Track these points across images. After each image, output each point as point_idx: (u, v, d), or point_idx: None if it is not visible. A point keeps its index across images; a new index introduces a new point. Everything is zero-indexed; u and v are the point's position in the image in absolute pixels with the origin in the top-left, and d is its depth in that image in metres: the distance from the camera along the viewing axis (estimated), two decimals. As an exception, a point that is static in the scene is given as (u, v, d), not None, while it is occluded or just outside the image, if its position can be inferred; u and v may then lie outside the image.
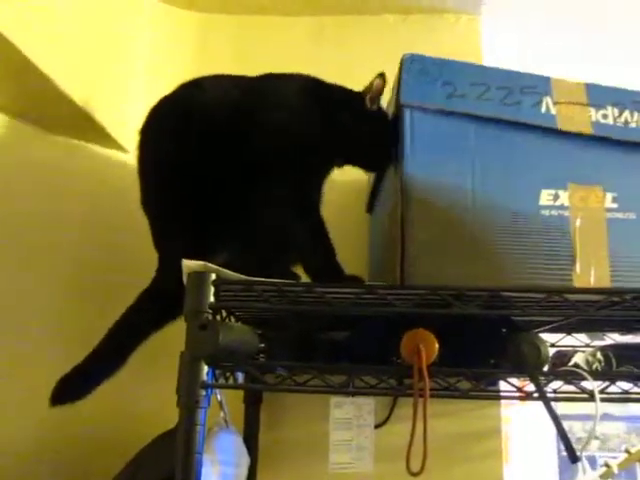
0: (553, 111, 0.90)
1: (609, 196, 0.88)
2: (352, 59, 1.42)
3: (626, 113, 0.91)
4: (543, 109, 0.90)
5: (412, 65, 0.91)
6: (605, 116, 0.91)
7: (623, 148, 0.90)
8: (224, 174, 0.91)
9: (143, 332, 0.93)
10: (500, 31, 1.52)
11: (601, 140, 0.90)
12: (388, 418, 1.14)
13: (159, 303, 0.92)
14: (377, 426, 1.16)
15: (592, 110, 0.91)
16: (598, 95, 0.92)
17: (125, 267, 1.25)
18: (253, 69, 1.05)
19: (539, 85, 0.91)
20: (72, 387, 0.91)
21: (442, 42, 1.42)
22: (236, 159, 0.91)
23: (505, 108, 0.89)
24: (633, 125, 0.91)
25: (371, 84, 0.98)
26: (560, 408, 0.79)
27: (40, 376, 1.12)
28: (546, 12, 1.47)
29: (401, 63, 0.92)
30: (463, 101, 0.89)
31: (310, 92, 0.99)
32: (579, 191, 0.87)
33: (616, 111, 0.91)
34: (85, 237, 1.28)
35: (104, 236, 1.29)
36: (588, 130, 0.90)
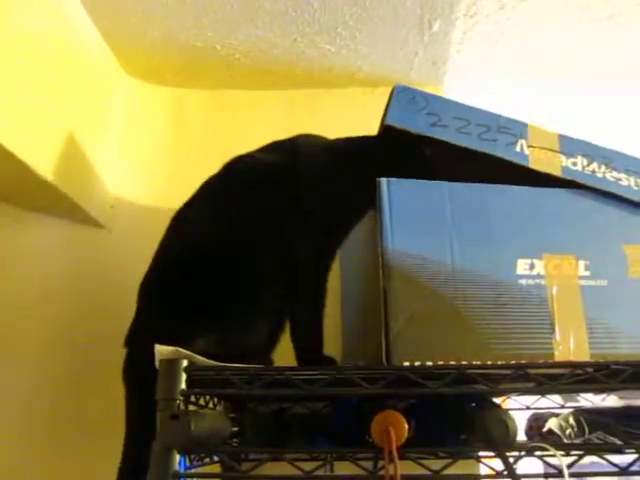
0: (526, 152, 0.96)
1: (582, 264, 0.91)
2: (324, 131, 1.46)
3: (594, 164, 0.97)
4: (517, 149, 0.95)
5: (401, 94, 0.97)
6: (575, 164, 0.96)
7: (594, 210, 0.95)
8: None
9: (147, 406, 0.91)
10: (465, 96, 1.59)
11: (573, 204, 0.95)
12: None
13: (142, 369, 0.90)
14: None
15: (563, 157, 0.97)
16: (570, 145, 0.98)
17: (103, 347, 1.24)
18: (227, 143, 1.09)
19: (515, 128, 0.97)
20: None
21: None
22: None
23: (482, 142, 0.95)
24: (600, 175, 0.96)
25: None
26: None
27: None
28: (506, 83, 1.54)
29: (391, 92, 0.97)
30: (444, 130, 0.94)
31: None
32: (553, 260, 0.90)
33: (585, 161, 0.97)
34: (63, 311, 1.28)
35: (80, 307, 1.29)
36: (557, 172, 0.95)
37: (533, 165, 0.95)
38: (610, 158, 0.98)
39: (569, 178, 0.96)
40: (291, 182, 0.98)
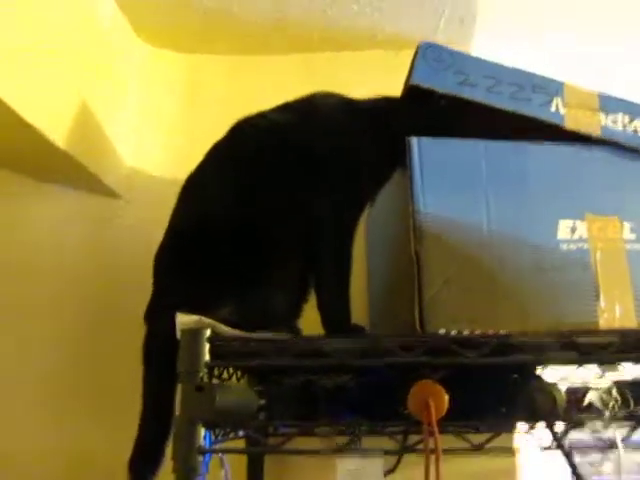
0: (562, 111, 0.89)
1: (627, 226, 0.86)
2: (346, 94, 1.41)
3: (636, 121, 0.90)
4: (552, 108, 0.89)
5: (427, 52, 0.90)
6: (615, 121, 0.90)
7: (638, 173, 0.89)
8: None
9: (169, 380, 0.86)
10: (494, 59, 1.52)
11: (615, 162, 0.89)
12: (397, 465, 1.09)
13: (162, 346, 0.86)
14: (386, 473, 1.10)
15: (602, 115, 0.90)
16: (610, 103, 0.91)
17: (120, 318, 1.21)
18: (244, 109, 1.04)
19: (551, 86, 0.91)
20: (145, 464, 0.86)
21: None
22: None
23: (514, 102, 0.88)
24: None
25: None
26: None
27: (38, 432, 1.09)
28: (537, 38, 1.46)
29: (416, 50, 0.91)
30: (473, 90, 0.88)
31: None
32: (596, 222, 0.85)
33: (627, 118, 0.90)
34: (81, 284, 1.25)
35: (97, 279, 1.27)
36: (597, 132, 0.89)
37: (569, 125, 0.89)
38: (655, 117, 0.91)
39: (609, 138, 0.89)
40: (310, 142, 0.94)
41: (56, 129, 1.07)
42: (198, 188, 0.96)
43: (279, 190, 0.91)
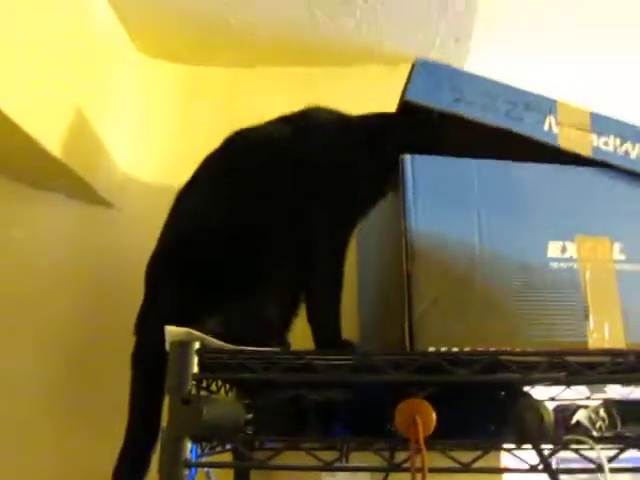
0: (555, 130, 0.90)
1: (617, 247, 0.86)
2: (343, 109, 1.41)
3: (627, 144, 0.91)
4: (546, 127, 0.90)
5: (422, 68, 0.90)
6: (606, 143, 0.91)
7: (628, 195, 0.90)
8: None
9: (158, 389, 0.88)
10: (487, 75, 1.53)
11: (606, 183, 0.90)
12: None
13: (152, 356, 0.85)
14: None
15: (594, 136, 0.91)
16: (601, 123, 0.92)
17: (111, 326, 1.21)
18: (240, 121, 1.04)
19: (544, 104, 0.91)
20: (129, 474, 0.87)
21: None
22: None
23: (509, 121, 0.89)
24: (633, 157, 0.91)
25: None
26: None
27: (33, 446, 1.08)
28: (532, 56, 1.48)
29: (412, 66, 0.91)
30: (469, 107, 0.89)
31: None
32: (586, 242, 0.86)
33: (618, 141, 0.91)
34: (73, 292, 1.25)
35: (89, 288, 1.26)
36: (588, 153, 0.90)
37: (562, 144, 0.90)
38: (645, 138, 0.92)
39: (600, 159, 0.90)
40: (306, 156, 0.94)
41: (51, 137, 1.07)
42: (191, 200, 0.96)
43: (272, 203, 0.91)
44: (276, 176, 0.93)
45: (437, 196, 0.85)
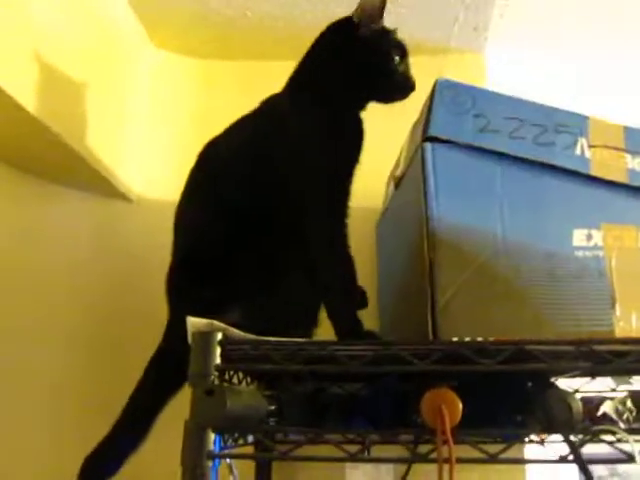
0: (587, 154, 0.86)
1: None
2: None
3: None
4: (577, 151, 0.86)
5: (444, 93, 0.86)
6: None
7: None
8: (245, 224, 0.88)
9: (161, 397, 0.90)
10: (504, 67, 1.51)
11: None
12: (407, 474, 1.08)
13: (170, 364, 0.87)
14: (397, 484, 1.09)
15: (628, 156, 0.87)
16: (637, 140, 0.88)
17: (130, 319, 1.21)
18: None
19: (575, 124, 0.87)
20: (100, 465, 0.87)
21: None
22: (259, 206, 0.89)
23: (538, 149, 0.85)
24: None
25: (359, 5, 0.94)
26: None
27: (42, 439, 1.08)
28: (552, 48, 1.46)
29: (433, 89, 0.87)
30: (494, 137, 0.85)
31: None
32: (612, 230, 0.84)
33: None
34: (92, 286, 1.25)
35: (109, 284, 1.26)
36: (623, 179, 0.86)
37: (596, 172, 0.86)
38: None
39: (636, 184, 0.86)
40: (273, 153, 0.92)
41: (70, 132, 1.08)
42: (187, 215, 0.97)
43: (263, 198, 0.90)
44: (253, 173, 0.91)
45: (458, 185, 0.84)
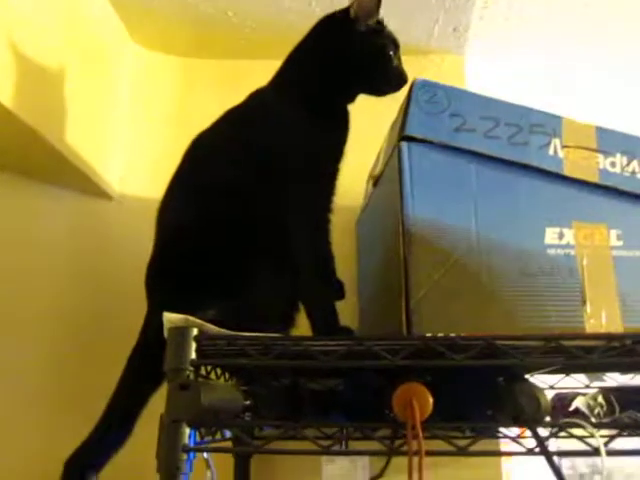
0: (561, 154, 0.88)
1: (613, 233, 0.86)
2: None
3: (634, 163, 0.90)
4: (551, 151, 0.88)
5: (421, 92, 0.88)
6: (613, 164, 0.89)
7: (625, 182, 0.89)
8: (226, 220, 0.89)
9: (141, 393, 0.90)
10: (484, 68, 1.53)
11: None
12: (384, 470, 1.09)
13: (149, 359, 0.87)
14: (373, 479, 1.10)
15: (600, 157, 0.89)
16: (608, 140, 0.90)
17: (110, 319, 1.21)
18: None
19: (549, 124, 0.89)
20: (84, 466, 0.87)
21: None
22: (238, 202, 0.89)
23: (512, 148, 0.87)
24: None
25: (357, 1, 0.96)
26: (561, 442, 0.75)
27: (26, 438, 1.07)
28: (530, 50, 1.48)
29: (410, 89, 0.89)
30: (470, 137, 0.86)
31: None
32: (583, 229, 0.86)
33: (625, 160, 0.89)
34: (72, 283, 1.25)
35: (89, 283, 1.26)
36: (594, 178, 0.88)
37: (569, 172, 0.87)
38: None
39: (607, 184, 0.88)
40: (259, 144, 0.93)
41: (51, 129, 1.08)
42: (169, 211, 0.97)
43: (241, 194, 0.90)
44: (238, 167, 0.92)
45: (434, 183, 0.86)
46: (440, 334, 0.75)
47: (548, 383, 1.10)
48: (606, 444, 0.65)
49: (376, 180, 1.06)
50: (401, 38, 1.39)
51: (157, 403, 0.68)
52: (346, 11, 0.98)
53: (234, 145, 0.94)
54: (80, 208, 1.29)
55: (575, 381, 1.08)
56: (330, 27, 1.00)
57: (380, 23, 1.00)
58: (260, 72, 1.46)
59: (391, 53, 0.98)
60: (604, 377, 1.09)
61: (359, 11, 0.96)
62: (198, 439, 0.72)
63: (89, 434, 0.89)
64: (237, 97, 1.42)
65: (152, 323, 0.91)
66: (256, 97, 1.02)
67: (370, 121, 1.07)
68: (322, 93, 0.95)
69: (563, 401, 1.03)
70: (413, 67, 1.42)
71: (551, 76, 1.56)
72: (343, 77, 0.97)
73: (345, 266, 1.03)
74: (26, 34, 1.01)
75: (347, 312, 0.98)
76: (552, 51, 1.48)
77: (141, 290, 0.95)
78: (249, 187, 0.90)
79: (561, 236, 0.85)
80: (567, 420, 0.67)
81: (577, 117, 0.92)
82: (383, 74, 0.98)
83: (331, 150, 0.95)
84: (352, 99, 1.01)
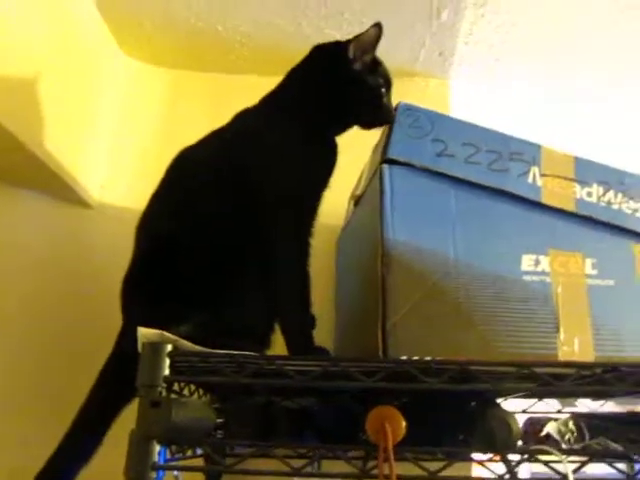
0: (539, 183, 0.89)
1: (589, 262, 0.88)
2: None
3: (610, 193, 0.91)
4: (530, 179, 0.89)
5: (404, 116, 0.89)
6: (590, 194, 0.91)
7: (601, 212, 0.91)
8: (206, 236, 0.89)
9: (112, 406, 0.89)
10: (468, 94, 1.55)
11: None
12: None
13: (122, 372, 0.86)
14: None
15: (577, 186, 0.90)
16: (585, 171, 0.91)
17: (86, 328, 1.20)
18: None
19: (528, 152, 0.90)
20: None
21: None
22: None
23: (492, 175, 0.88)
24: (615, 207, 0.91)
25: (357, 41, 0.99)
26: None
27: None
28: (514, 77, 1.50)
29: (395, 110, 0.90)
30: (451, 162, 0.87)
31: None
32: (559, 257, 0.87)
33: (601, 190, 0.91)
34: (50, 290, 1.23)
35: (63, 289, 1.24)
36: (571, 207, 0.89)
37: (546, 200, 0.89)
38: (627, 184, 0.92)
39: (584, 213, 0.90)
40: (243, 166, 0.93)
41: (33, 136, 1.07)
42: (151, 222, 0.97)
43: (223, 213, 0.90)
44: (221, 186, 0.92)
45: (414, 207, 0.86)
46: (415, 357, 0.76)
47: (521, 407, 1.11)
48: (575, 471, 0.66)
49: (357, 200, 1.06)
50: (387, 60, 1.42)
51: (128, 418, 0.67)
52: (344, 47, 1.00)
53: (221, 165, 0.94)
54: (58, 215, 1.28)
55: (547, 405, 1.09)
56: (327, 62, 1.01)
57: (375, 60, 1.02)
58: (248, 87, 1.47)
59: (383, 91, 1.00)
60: (576, 402, 1.11)
61: (357, 51, 0.99)
62: (169, 456, 0.71)
63: (57, 447, 0.87)
64: (224, 111, 1.43)
65: (127, 336, 0.90)
66: (246, 119, 1.02)
67: (354, 141, 1.08)
68: (315, 124, 0.97)
69: (535, 426, 1.04)
70: (398, 89, 1.45)
71: (535, 103, 1.59)
72: (336, 111, 0.99)
73: (324, 285, 1.03)
74: (11, 42, 1.00)
75: (323, 332, 0.98)
76: (536, 79, 1.51)
77: (115, 297, 0.94)
78: (231, 208, 0.90)
79: (537, 263, 0.86)
80: (536, 447, 0.67)
81: (559, 144, 0.94)
82: (373, 111, 0.99)
83: (320, 179, 0.96)
84: (342, 131, 1.03)
